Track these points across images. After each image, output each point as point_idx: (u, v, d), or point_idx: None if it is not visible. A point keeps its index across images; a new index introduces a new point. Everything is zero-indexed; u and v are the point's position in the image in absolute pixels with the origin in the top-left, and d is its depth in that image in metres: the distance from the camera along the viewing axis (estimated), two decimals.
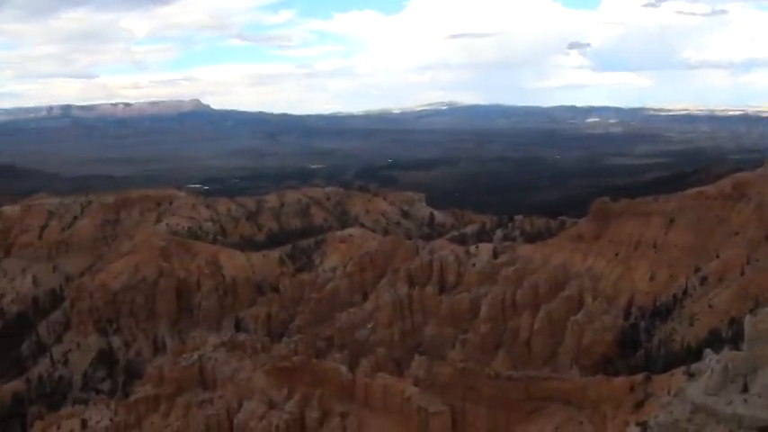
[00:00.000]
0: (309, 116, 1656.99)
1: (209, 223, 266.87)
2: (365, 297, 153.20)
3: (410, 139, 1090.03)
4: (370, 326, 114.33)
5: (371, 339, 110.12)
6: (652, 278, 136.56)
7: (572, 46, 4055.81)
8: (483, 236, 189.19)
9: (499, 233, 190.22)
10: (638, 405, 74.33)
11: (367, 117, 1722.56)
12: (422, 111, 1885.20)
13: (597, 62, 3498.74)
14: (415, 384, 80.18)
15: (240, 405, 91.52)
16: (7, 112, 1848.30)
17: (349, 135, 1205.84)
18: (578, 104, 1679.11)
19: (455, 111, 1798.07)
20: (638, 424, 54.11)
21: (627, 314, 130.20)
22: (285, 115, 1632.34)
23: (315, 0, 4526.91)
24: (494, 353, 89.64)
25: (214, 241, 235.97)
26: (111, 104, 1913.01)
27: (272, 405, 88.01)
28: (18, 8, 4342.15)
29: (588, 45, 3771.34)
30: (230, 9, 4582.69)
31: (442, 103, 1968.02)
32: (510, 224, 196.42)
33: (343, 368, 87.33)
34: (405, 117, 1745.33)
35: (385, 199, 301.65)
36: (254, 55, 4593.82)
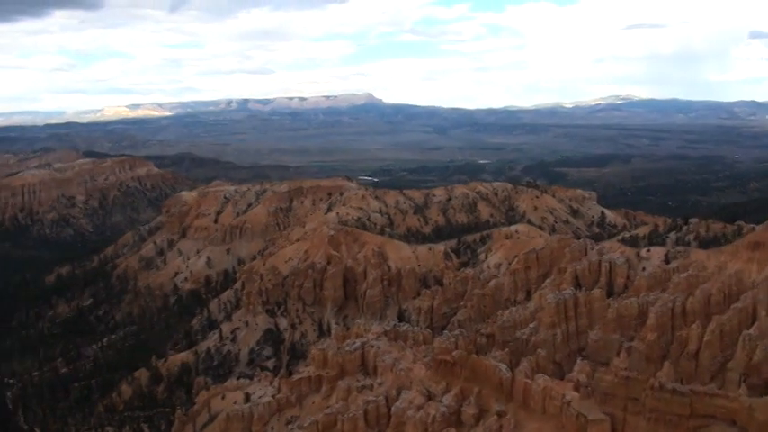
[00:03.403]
0: (480, 110, 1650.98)
1: (378, 214, 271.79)
2: (529, 296, 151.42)
3: (582, 134, 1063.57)
4: (532, 325, 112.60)
5: (533, 339, 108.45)
6: None
7: (753, 35, 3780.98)
8: (655, 239, 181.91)
9: (672, 237, 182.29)
10: None
11: (538, 111, 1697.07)
12: (595, 105, 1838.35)
13: None
14: (576, 389, 78.31)
15: (399, 394, 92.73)
16: (188, 105, 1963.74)
17: (519, 130, 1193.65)
18: (759, 99, 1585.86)
19: (630, 105, 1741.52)
20: None
21: None
22: (455, 109, 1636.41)
23: None
24: (659, 363, 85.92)
25: (381, 232, 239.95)
26: (287, 98, 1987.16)
27: (429, 397, 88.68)
28: (198, 9, 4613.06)
29: None
30: (404, 5, 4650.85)
31: (616, 98, 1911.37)
32: (684, 227, 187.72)
33: (503, 366, 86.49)
34: (577, 111, 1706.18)
35: (554, 196, 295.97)
36: (427, 50, 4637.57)
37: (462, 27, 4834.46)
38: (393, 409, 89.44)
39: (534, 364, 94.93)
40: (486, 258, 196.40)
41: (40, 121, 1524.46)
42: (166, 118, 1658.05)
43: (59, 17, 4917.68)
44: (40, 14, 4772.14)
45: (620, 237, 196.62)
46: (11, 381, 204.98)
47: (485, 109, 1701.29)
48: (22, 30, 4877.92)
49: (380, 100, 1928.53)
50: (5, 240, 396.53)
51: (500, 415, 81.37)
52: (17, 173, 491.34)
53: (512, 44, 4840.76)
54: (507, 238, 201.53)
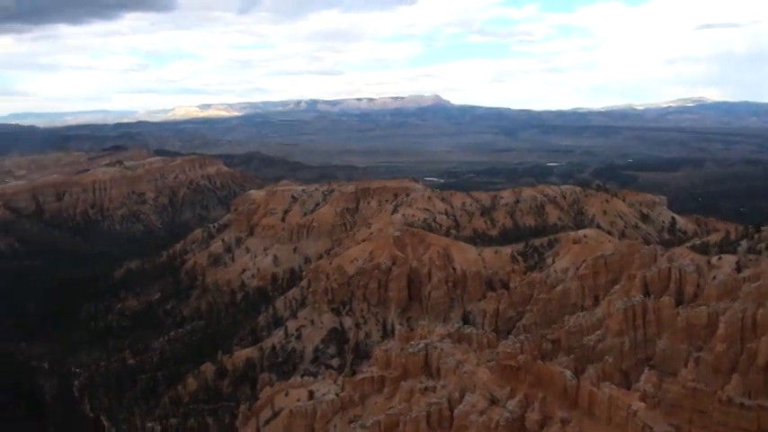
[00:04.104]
0: (548, 112, 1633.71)
1: (444, 216, 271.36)
2: (596, 302, 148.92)
3: (653, 137, 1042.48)
4: (599, 332, 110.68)
5: (599, 347, 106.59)
6: None
7: None
8: (727, 246, 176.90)
9: (744, 244, 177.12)
10: None
11: (608, 113, 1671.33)
12: (667, 107, 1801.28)
13: None
14: (642, 399, 76.70)
15: (462, 397, 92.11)
16: (257, 106, 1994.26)
17: (588, 132, 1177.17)
18: None
19: (702, 108, 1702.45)
20: None
21: None
22: (524, 111, 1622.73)
23: None
24: (727, 375, 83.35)
25: (447, 234, 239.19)
26: (356, 99, 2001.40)
27: (493, 401, 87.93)
28: (268, 11, 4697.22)
29: None
30: (473, 5, 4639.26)
31: (688, 100, 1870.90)
32: (756, 235, 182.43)
33: (569, 373, 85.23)
34: (648, 114, 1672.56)
35: (624, 200, 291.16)
36: (495, 51, 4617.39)
37: (532, 27, 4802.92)
38: (456, 412, 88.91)
39: (600, 372, 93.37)
40: (553, 262, 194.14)
41: (111, 120, 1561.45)
42: (236, 118, 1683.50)
43: (130, 19, 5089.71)
44: (112, 17, 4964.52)
45: (690, 243, 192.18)
46: (78, 370, 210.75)
47: (554, 110, 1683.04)
48: (94, 32, 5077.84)
49: (448, 101, 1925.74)
50: (76, 235, 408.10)
51: (564, 422, 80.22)
52: (88, 170, 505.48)
53: (581, 45, 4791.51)
54: (575, 243, 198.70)
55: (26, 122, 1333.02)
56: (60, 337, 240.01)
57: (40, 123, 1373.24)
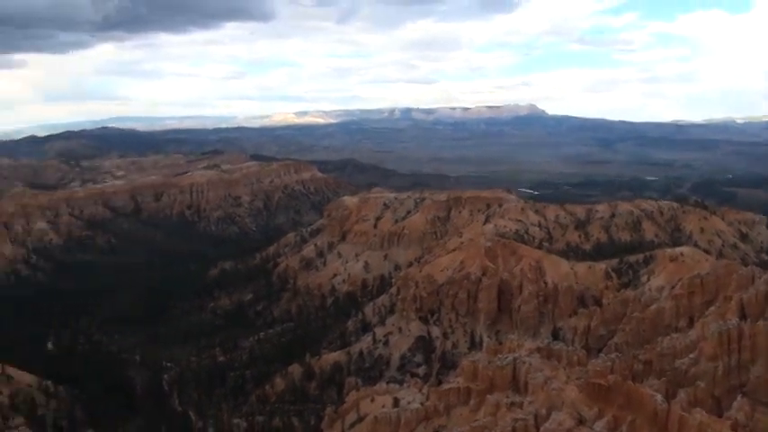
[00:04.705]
0: (647, 124, 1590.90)
1: (537, 228, 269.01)
2: (691, 323, 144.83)
3: (755, 152, 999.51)
4: (692, 355, 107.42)
5: (692, 371, 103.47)
6: None
7: None
8: None
9: None
10: None
11: (708, 126, 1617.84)
12: None
13: None
14: (734, 428, 74.14)
15: (549, 414, 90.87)
16: (353, 113, 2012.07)
17: (687, 145, 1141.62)
18: None
19: None
20: None
21: None
22: (622, 122, 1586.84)
23: (659, 0, 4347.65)
24: None
25: (540, 246, 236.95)
26: (450, 108, 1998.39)
27: (580, 421, 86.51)
28: (366, 20, 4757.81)
29: None
30: (572, 14, 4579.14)
31: None
32: None
33: (659, 397, 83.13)
34: (750, 127, 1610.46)
35: (722, 218, 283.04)
36: (593, 60, 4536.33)
37: (632, 36, 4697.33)
38: (542, 429, 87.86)
39: (692, 397, 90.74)
40: (648, 280, 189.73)
41: (209, 126, 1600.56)
42: (332, 125, 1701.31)
43: (230, 29, 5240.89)
44: (212, 26, 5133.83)
45: None
46: (169, 365, 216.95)
47: (652, 122, 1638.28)
48: (195, 40, 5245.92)
49: (544, 111, 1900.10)
50: (172, 235, 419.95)
51: None
52: (186, 172, 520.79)
53: (681, 54, 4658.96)
54: (672, 261, 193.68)
55: (126, 126, 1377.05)
56: (153, 331, 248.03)
57: (140, 127, 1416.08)
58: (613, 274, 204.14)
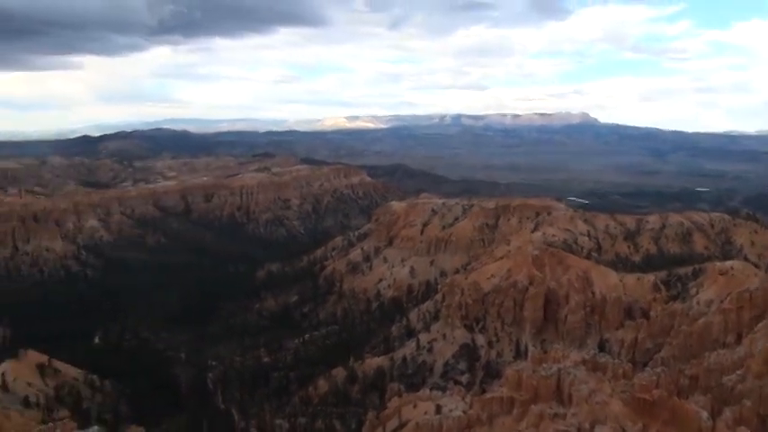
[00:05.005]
0: (699, 134, 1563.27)
1: (586, 238, 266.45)
2: (739, 339, 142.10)
3: None
4: (739, 372, 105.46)
5: (738, 388, 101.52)
6: None
7: None
8: None
9: None
10: None
11: (761, 138, 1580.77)
12: None
13: None
14: None
15: (592, 428, 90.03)
16: (403, 119, 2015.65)
17: (740, 156, 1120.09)
18: None
19: None
20: None
21: None
22: (675, 132, 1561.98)
23: (714, 8, 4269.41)
24: None
25: (588, 257, 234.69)
26: (501, 115, 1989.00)
27: None
28: (418, 26, 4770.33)
29: None
30: (626, 21, 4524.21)
31: None
32: None
33: (705, 414, 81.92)
34: None
35: None
36: (647, 68, 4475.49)
37: (686, 44, 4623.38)
38: None
39: (737, 415, 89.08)
40: (697, 293, 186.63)
41: (261, 129, 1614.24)
42: (382, 130, 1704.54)
43: (284, 34, 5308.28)
44: (266, 31, 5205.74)
45: None
46: (214, 363, 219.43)
47: (704, 133, 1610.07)
48: (249, 45, 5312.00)
49: (595, 119, 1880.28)
50: (222, 236, 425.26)
51: None
52: (237, 175, 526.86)
53: (736, 63, 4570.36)
54: (721, 274, 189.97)
55: (179, 127, 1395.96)
56: (199, 330, 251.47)
57: (193, 129, 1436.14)
58: (662, 287, 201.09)
